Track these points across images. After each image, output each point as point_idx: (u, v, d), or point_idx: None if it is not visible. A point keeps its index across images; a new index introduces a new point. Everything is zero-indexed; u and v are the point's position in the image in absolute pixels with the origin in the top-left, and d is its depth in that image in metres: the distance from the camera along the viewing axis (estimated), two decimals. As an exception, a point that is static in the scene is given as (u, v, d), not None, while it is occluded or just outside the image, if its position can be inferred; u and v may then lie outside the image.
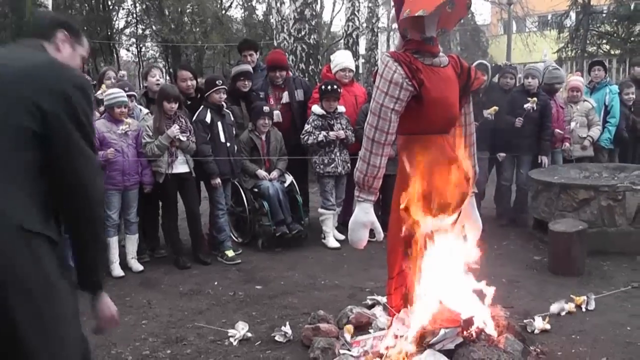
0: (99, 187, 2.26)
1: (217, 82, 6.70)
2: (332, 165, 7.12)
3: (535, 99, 7.38)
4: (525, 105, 7.36)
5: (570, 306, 4.92)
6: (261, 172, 7.04)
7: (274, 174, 7.15)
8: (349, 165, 7.12)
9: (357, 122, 7.10)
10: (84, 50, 2.56)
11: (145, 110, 6.79)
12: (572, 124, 7.81)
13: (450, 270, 3.97)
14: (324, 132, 7.01)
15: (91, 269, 2.35)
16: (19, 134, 2.05)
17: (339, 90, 7.09)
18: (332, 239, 7.16)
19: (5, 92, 2.08)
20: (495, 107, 7.26)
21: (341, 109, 7.18)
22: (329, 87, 7.05)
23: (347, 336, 4.19)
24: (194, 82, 7.06)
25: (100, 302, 2.43)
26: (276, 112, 7.32)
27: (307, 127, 7.11)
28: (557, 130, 7.75)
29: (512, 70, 8.30)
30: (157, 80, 7.02)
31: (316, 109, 7.11)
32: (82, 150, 2.17)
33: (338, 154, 7.12)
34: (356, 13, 12.98)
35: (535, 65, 8.18)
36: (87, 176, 2.18)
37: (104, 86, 6.26)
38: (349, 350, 3.95)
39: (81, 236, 2.26)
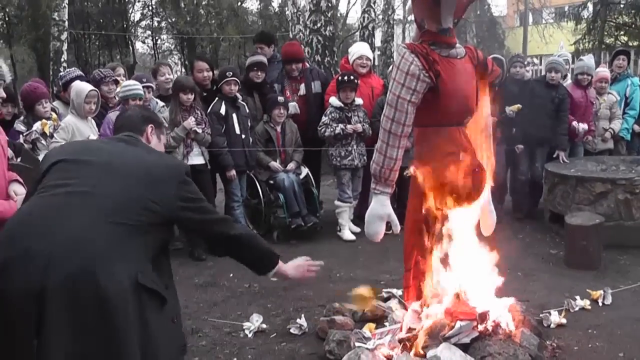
0: (228, 222, 2.91)
1: (227, 74, 6.70)
2: (349, 158, 7.09)
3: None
4: (506, 110, 7.15)
5: (586, 302, 4.89)
6: (274, 164, 7.04)
7: (291, 165, 7.16)
8: (365, 158, 7.09)
9: (373, 114, 7.07)
10: (165, 138, 3.20)
11: (161, 103, 6.80)
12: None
13: (466, 263, 3.96)
14: (341, 125, 6.99)
15: (265, 252, 3.04)
16: (142, 214, 2.52)
17: (356, 81, 7.06)
18: (347, 232, 7.14)
19: (131, 179, 2.58)
20: (519, 105, 7.12)
21: (359, 101, 7.15)
22: (346, 78, 7.03)
23: (367, 332, 4.17)
24: (210, 73, 7.06)
25: (284, 269, 3.16)
26: (292, 104, 7.30)
27: (324, 119, 7.08)
28: (579, 125, 7.57)
29: (520, 59, 8.05)
30: (167, 79, 7.01)
31: (334, 100, 7.09)
32: (203, 209, 2.80)
33: (355, 146, 7.10)
34: (372, 5, 12.90)
35: (557, 59, 7.93)
36: (213, 217, 2.86)
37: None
38: (364, 343, 3.94)
39: (240, 239, 2.89)
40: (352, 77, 7.05)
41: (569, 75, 8.47)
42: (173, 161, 3.02)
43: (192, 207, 2.72)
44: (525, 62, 7.95)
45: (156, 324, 2.52)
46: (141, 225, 2.52)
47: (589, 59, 8.35)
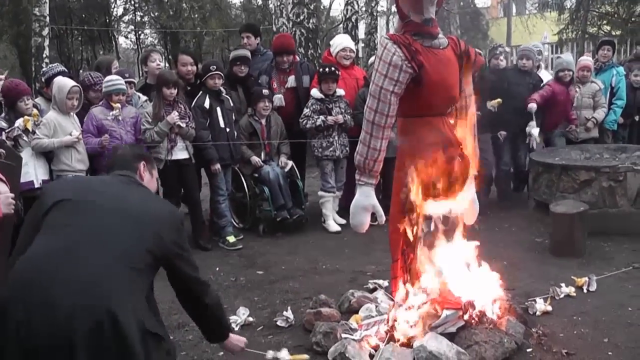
0: (202, 279, 2.98)
1: (211, 68, 6.67)
2: (331, 148, 7.11)
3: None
4: (487, 105, 7.15)
5: (571, 289, 4.92)
6: (255, 159, 7.02)
7: (282, 159, 7.18)
8: (347, 149, 7.11)
9: (355, 106, 7.08)
10: (156, 173, 3.31)
11: (143, 97, 6.76)
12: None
13: (451, 253, 3.97)
14: (322, 117, 7.00)
15: (221, 327, 3.19)
16: (146, 255, 2.61)
17: (337, 72, 7.07)
18: (332, 222, 7.17)
19: (139, 224, 2.66)
20: (499, 100, 7.16)
21: (340, 92, 7.17)
22: (327, 69, 7.06)
23: (353, 324, 4.18)
24: (195, 67, 7.02)
25: (230, 343, 3.27)
26: (278, 96, 7.29)
27: (305, 111, 7.09)
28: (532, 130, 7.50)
29: (499, 50, 8.08)
30: (158, 65, 6.98)
31: (315, 92, 7.10)
32: (191, 262, 2.87)
33: (336, 137, 7.11)
34: (355, -3, 12.88)
35: (528, 46, 8.00)
36: (196, 275, 2.91)
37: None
38: (350, 334, 3.95)
39: (206, 309, 3.00)
40: (333, 69, 7.07)
41: (542, 65, 8.50)
42: (172, 207, 3.06)
43: (184, 257, 2.82)
44: (498, 51, 7.96)
45: None
46: (144, 269, 2.62)
47: (567, 55, 8.47)
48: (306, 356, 3.85)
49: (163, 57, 8.36)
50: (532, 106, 7.35)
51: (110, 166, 3.16)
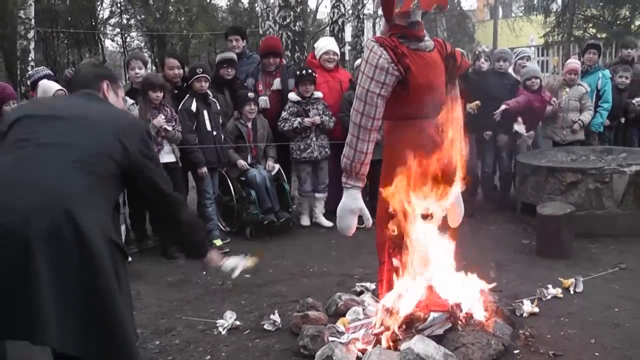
0: (175, 194, 2.96)
1: (197, 71, 6.65)
2: (308, 150, 7.16)
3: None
4: (467, 108, 6.99)
5: (558, 290, 4.93)
6: (241, 162, 7.01)
7: (270, 164, 7.18)
8: (327, 150, 7.18)
9: (341, 109, 7.10)
10: (122, 92, 3.22)
11: (130, 101, 6.73)
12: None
13: (437, 255, 3.97)
14: (299, 119, 7.04)
15: (199, 244, 3.19)
16: (108, 164, 2.61)
17: (313, 74, 7.17)
18: (305, 217, 7.39)
19: (98, 130, 2.66)
20: (477, 102, 7.17)
21: (317, 94, 7.24)
22: (304, 72, 7.17)
23: (341, 327, 4.17)
24: (181, 70, 7.00)
25: (208, 259, 3.29)
26: (263, 98, 7.30)
27: (283, 114, 7.17)
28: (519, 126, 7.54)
29: (484, 53, 8.14)
30: (137, 74, 6.93)
31: (292, 95, 7.19)
32: (160, 174, 2.86)
33: (315, 139, 7.15)
34: (342, 0, 12.90)
35: (505, 49, 8.13)
36: (167, 189, 2.88)
37: None
38: (338, 337, 3.94)
39: (180, 226, 2.98)
40: (309, 71, 7.18)
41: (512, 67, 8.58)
42: (135, 118, 3.10)
43: (152, 168, 2.81)
44: (478, 52, 8.03)
45: (125, 280, 2.67)
46: (108, 176, 2.62)
47: (533, 64, 8.62)
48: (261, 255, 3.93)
49: (150, 60, 8.32)
50: (501, 109, 7.44)
51: (71, 87, 3.10)
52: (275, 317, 4.53)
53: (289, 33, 11.15)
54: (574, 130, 7.92)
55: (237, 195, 7.05)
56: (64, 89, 5.86)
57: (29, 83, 6.67)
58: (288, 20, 11.12)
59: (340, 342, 3.82)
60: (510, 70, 8.01)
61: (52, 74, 6.71)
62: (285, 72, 7.58)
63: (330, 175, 7.33)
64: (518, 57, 8.37)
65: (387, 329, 3.86)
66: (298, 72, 7.24)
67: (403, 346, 3.66)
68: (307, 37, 11.40)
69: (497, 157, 7.88)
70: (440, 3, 3.85)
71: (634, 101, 8.41)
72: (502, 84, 7.72)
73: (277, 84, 7.50)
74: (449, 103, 4.09)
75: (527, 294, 4.85)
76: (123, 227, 6.35)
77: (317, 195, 7.38)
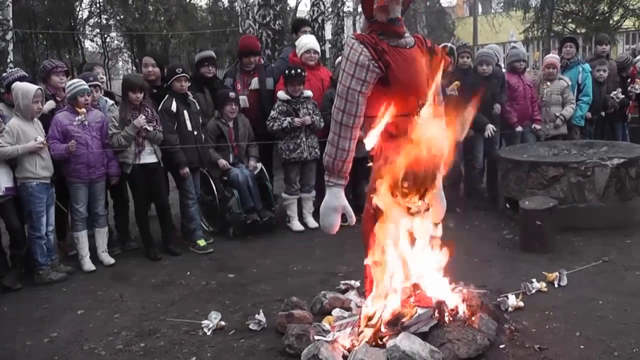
0: None
1: (177, 70, 6.60)
2: (298, 151, 7.09)
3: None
4: (447, 91, 6.84)
5: (542, 284, 4.95)
6: (222, 162, 6.96)
7: (252, 163, 7.13)
8: (317, 150, 7.10)
9: (323, 107, 7.07)
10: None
11: (110, 102, 6.68)
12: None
13: (422, 251, 3.96)
14: (288, 118, 6.97)
15: None
16: None
17: (303, 74, 7.06)
18: (296, 222, 7.23)
19: None
20: (457, 82, 7.06)
21: (307, 93, 7.15)
22: (293, 72, 7.03)
23: (326, 325, 4.16)
24: (157, 69, 6.95)
25: None
26: (242, 97, 7.24)
27: (272, 113, 7.06)
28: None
29: (467, 49, 8.21)
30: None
31: (281, 94, 7.08)
32: None
33: (304, 139, 7.09)
34: (321, -2, 12.88)
35: (487, 51, 8.04)
36: None
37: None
38: (323, 336, 3.92)
39: None
40: (299, 70, 7.06)
41: (503, 65, 8.64)
42: None
43: None
44: (461, 48, 8.06)
45: None
46: None
47: (520, 46, 8.72)
48: None
49: (131, 60, 8.29)
50: (497, 107, 7.57)
51: None
52: (260, 316, 4.51)
53: (269, 32, 11.11)
54: (557, 125, 7.98)
55: (220, 195, 7.01)
56: (41, 87, 5.81)
57: (4, 85, 6.56)
58: (268, 19, 11.08)
59: (326, 341, 3.81)
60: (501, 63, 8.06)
61: (27, 75, 6.60)
62: (263, 72, 7.53)
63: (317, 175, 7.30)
64: (515, 60, 8.14)
65: (373, 326, 3.85)
66: (287, 72, 7.12)
67: (389, 343, 3.66)
68: (287, 35, 11.33)
69: (486, 149, 7.89)
70: None
71: (612, 95, 8.52)
72: (492, 84, 7.63)
73: (254, 83, 7.43)
74: (431, 99, 4.08)
75: (511, 289, 4.87)
76: (106, 229, 6.31)
77: (305, 195, 7.35)
